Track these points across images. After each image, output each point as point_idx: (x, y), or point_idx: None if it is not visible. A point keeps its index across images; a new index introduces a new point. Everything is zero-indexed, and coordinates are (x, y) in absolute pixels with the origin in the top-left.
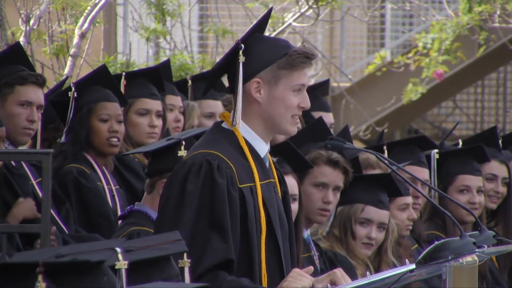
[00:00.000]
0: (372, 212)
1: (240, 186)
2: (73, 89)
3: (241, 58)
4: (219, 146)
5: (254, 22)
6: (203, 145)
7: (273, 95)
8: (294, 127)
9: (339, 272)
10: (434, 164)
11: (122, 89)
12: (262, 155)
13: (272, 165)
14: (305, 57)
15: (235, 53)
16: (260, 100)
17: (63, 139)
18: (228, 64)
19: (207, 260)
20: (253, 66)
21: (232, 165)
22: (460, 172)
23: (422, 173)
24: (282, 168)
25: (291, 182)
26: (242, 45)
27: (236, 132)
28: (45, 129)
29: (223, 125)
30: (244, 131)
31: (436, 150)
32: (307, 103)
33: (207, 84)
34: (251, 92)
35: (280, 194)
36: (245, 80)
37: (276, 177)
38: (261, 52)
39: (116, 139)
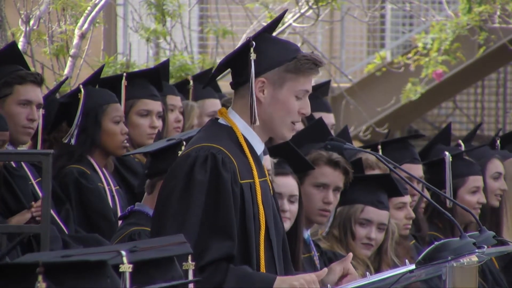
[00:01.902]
0: (372, 212)
1: (241, 182)
2: (82, 91)
3: (253, 56)
4: (220, 140)
5: (255, 22)
6: (204, 139)
7: (276, 97)
8: (290, 133)
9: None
10: (449, 166)
11: (123, 89)
12: (258, 153)
13: (264, 165)
14: (313, 64)
15: (245, 50)
16: (263, 100)
17: (73, 141)
18: (235, 60)
19: (211, 254)
20: (260, 65)
21: (234, 161)
22: (470, 173)
23: (417, 169)
24: (282, 169)
25: (292, 183)
26: (254, 43)
27: (235, 128)
28: (46, 129)
29: (220, 121)
30: (243, 128)
31: (448, 153)
32: (307, 110)
33: (211, 76)
34: (255, 91)
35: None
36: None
37: (267, 175)
38: (270, 52)
39: (126, 141)
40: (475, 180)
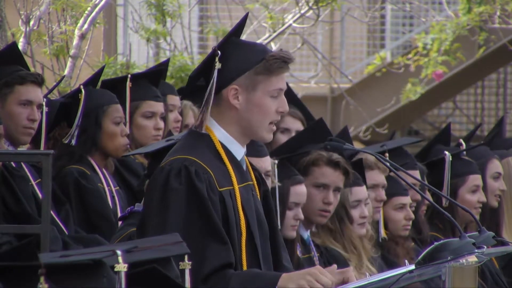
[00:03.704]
0: (359, 192)
1: (220, 190)
2: (83, 91)
3: (217, 65)
4: (196, 151)
5: (255, 23)
6: (180, 150)
7: (251, 101)
8: (270, 134)
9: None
10: (448, 166)
11: (128, 91)
12: (238, 158)
13: (250, 167)
14: (283, 62)
15: (212, 60)
16: (238, 107)
17: (74, 142)
18: (206, 70)
19: (210, 263)
20: (230, 72)
21: (209, 170)
22: (470, 172)
23: (415, 175)
24: (299, 178)
25: (305, 191)
26: (219, 52)
27: (212, 136)
28: (51, 129)
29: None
30: (221, 135)
31: (448, 153)
32: (285, 107)
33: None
34: (229, 98)
35: (259, 195)
36: (223, 86)
37: (254, 179)
38: (238, 58)
39: (128, 145)
40: (475, 179)
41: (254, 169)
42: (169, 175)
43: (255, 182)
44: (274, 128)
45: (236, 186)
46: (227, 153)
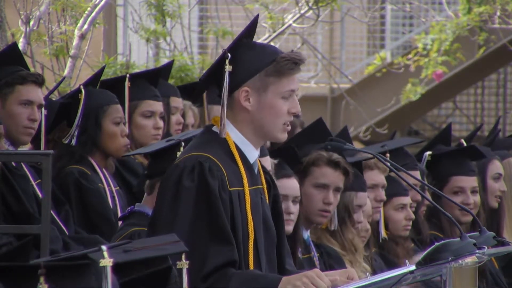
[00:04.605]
0: (363, 197)
1: (230, 189)
2: (83, 91)
3: (228, 68)
4: (210, 149)
5: None
6: (194, 148)
7: (263, 103)
8: (284, 134)
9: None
10: (424, 165)
11: (127, 91)
12: (251, 161)
13: (261, 171)
14: (293, 63)
15: (222, 62)
16: (250, 108)
17: (74, 142)
18: (216, 72)
19: (211, 262)
20: (241, 74)
21: (222, 168)
22: (453, 173)
23: (416, 175)
24: (285, 171)
25: (294, 184)
26: (229, 54)
27: (227, 136)
28: (50, 129)
29: (214, 128)
30: (235, 136)
31: (428, 152)
32: (297, 108)
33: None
34: (240, 100)
35: (268, 200)
36: (234, 89)
37: (264, 183)
38: (248, 60)
39: (129, 145)
40: (459, 180)
41: (266, 172)
42: (182, 173)
43: (265, 186)
44: (289, 128)
45: (247, 188)
46: (240, 154)
